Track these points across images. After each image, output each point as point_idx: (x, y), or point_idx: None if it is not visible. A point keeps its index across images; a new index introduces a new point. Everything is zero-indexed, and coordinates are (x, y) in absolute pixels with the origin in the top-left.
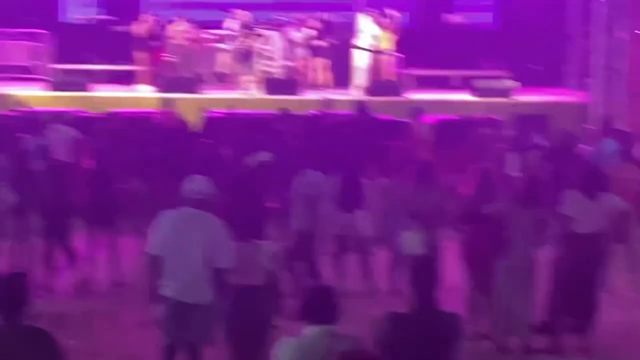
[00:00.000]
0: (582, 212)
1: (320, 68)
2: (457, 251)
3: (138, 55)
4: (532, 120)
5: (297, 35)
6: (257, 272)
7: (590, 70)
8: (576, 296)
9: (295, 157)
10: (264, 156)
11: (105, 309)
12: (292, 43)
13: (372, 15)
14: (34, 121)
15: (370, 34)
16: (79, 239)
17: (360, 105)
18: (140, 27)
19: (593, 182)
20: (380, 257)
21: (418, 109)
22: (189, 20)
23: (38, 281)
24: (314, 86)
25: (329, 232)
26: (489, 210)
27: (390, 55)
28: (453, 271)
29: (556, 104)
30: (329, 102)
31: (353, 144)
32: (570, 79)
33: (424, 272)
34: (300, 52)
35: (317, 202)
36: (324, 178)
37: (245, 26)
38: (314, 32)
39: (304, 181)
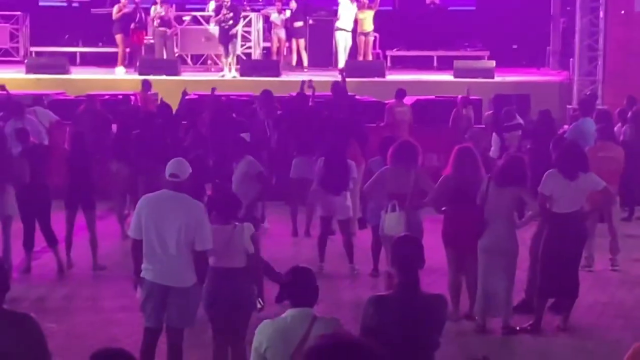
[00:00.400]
0: (561, 191)
1: (299, 49)
2: (437, 232)
3: (118, 37)
4: (513, 100)
5: (276, 16)
6: (238, 254)
7: (572, 50)
8: (556, 276)
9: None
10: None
11: (85, 293)
12: (271, 24)
13: None
14: (12, 104)
15: (350, 15)
16: (58, 222)
17: (338, 86)
18: (120, 10)
19: (573, 161)
20: (362, 239)
21: (401, 90)
22: (170, 3)
23: (17, 264)
24: (293, 67)
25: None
26: (469, 190)
27: (370, 36)
28: (434, 252)
29: (538, 84)
30: (308, 84)
31: (334, 125)
32: (552, 59)
33: (405, 253)
34: (279, 33)
35: (302, 185)
36: (309, 160)
37: (226, 8)
38: (292, 14)
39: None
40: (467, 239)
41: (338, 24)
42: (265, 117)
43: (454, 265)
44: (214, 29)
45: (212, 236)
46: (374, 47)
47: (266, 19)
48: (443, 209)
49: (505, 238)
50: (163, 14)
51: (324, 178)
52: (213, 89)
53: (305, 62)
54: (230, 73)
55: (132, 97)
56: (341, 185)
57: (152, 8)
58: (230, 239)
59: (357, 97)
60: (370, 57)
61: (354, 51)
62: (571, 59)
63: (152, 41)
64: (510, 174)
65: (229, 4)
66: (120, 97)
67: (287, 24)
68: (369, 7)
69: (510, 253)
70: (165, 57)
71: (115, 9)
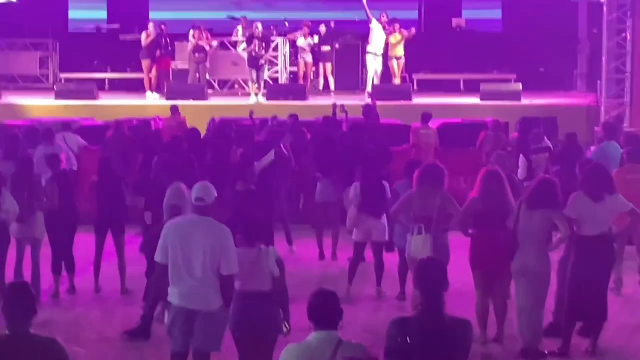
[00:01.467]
0: (588, 214)
1: (326, 73)
2: (465, 255)
3: (145, 63)
4: (540, 123)
5: (303, 41)
6: (263, 278)
7: (599, 73)
8: (585, 299)
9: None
10: (269, 159)
11: (112, 317)
12: (298, 49)
13: (381, 22)
14: (42, 130)
15: (381, 40)
16: (89, 246)
17: (370, 109)
18: (148, 36)
19: (599, 183)
20: (389, 262)
21: (426, 113)
22: (198, 28)
23: (44, 288)
24: (320, 92)
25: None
26: (496, 213)
27: (402, 60)
28: (461, 275)
29: (565, 107)
30: (341, 108)
31: (363, 149)
32: (580, 82)
33: (431, 276)
34: (306, 57)
35: (332, 209)
36: (342, 185)
37: (258, 39)
38: (320, 38)
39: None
40: (494, 262)
41: (369, 48)
42: (292, 140)
43: (481, 288)
44: (241, 53)
45: (238, 260)
46: (403, 71)
47: (293, 43)
48: (470, 231)
49: (536, 261)
50: (192, 38)
51: (363, 203)
52: (251, 113)
53: (333, 87)
54: (256, 98)
55: (153, 122)
56: (381, 208)
57: (190, 33)
58: (255, 263)
59: (385, 120)
60: (399, 81)
61: (387, 75)
62: (599, 82)
63: (180, 67)
64: (541, 196)
65: (260, 34)
66: (149, 122)
67: (315, 48)
68: (401, 33)
69: (542, 276)
70: (199, 82)
71: (143, 35)
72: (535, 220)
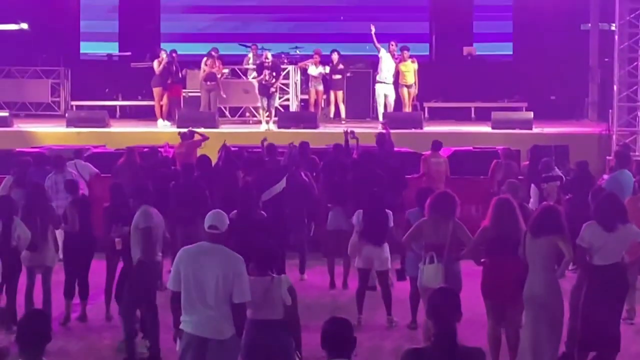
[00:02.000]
0: (601, 243)
1: (337, 101)
2: (476, 283)
3: (156, 91)
4: (552, 152)
5: (314, 69)
6: (275, 306)
7: (611, 101)
8: (597, 328)
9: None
10: (279, 188)
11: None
12: (308, 77)
13: (390, 50)
14: (53, 157)
15: (390, 68)
16: (100, 273)
17: (381, 138)
18: (160, 64)
19: (611, 212)
20: (401, 290)
21: (436, 141)
22: (211, 56)
23: (55, 315)
24: (331, 119)
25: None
26: (508, 242)
27: (412, 88)
28: (473, 304)
29: (577, 135)
30: (351, 135)
31: (373, 176)
32: (591, 110)
33: (445, 306)
34: (316, 85)
35: (344, 237)
36: (344, 211)
37: (267, 68)
38: (331, 66)
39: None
40: (506, 291)
41: (378, 77)
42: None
43: (493, 317)
44: (251, 81)
45: (250, 288)
46: (414, 100)
47: (304, 71)
48: (482, 260)
49: (544, 289)
50: (203, 66)
51: (364, 229)
52: (263, 140)
53: (343, 114)
54: (267, 125)
55: (163, 149)
56: (382, 236)
57: (203, 60)
58: (267, 291)
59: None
60: (410, 109)
61: (398, 103)
62: (610, 110)
63: (190, 94)
64: (543, 223)
65: (270, 63)
66: (160, 149)
67: (326, 76)
68: (412, 61)
69: (550, 304)
70: (210, 110)
71: (155, 63)
72: (540, 247)
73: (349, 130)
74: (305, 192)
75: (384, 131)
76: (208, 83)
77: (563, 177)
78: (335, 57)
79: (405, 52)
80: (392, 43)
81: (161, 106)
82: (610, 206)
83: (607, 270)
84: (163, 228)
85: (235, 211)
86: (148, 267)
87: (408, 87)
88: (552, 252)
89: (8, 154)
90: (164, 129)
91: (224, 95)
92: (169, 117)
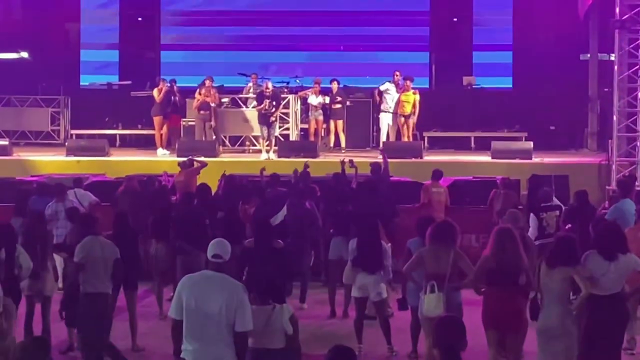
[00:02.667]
0: (601, 273)
1: (337, 130)
2: (477, 313)
3: (156, 120)
4: (551, 181)
5: (314, 98)
6: (277, 335)
7: (610, 132)
8: (598, 358)
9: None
10: (280, 218)
11: None
12: (308, 106)
13: (394, 81)
14: (54, 186)
15: (394, 98)
16: None
17: (376, 167)
18: (159, 92)
19: (612, 242)
20: (401, 320)
21: (436, 170)
22: (202, 85)
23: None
24: (331, 149)
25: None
26: (509, 271)
27: (411, 118)
28: (474, 333)
29: (576, 165)
30: (350, 164)
31: (371, 205)
32: (590, 141)
33: (450, 335)
34: (316, 115)
35: (340, 265)
36: (345, 240)
37: (267, 98)
38: (330, 95)
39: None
40: (507, 320)
41: (383, 106)
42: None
43: (494, 346)
44: (251, 110)
45: (253, 316)
46: (414, 129)
47: (304, 100)
48: (483, 289)
49: (560, 320)
50: (203, 95)
51: (357, 258)
52: (262, 170)
53: (343, 144)
54: (267, 154)
55: (161, 178)
56: (375, 264)
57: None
58: (269, 320)
59: (395, 177)
60: (409, 139)
61: (398, 133)
62: (609, 140)
63: (190, 123)
64: (560, 254)
65: (270, 92)
66: (160, 178)
67: (326, 106)
68: (414, 92)
69: (566, 336)
70: (204, 139)
71: (155, 92)
72: (556, 278)
73: (346, 160)
74: (309, 221)
75: (380, 160)
76: (201, 112)
77: (562, 206)
78: (334, 86)
79: (408, 82)
80: (397, 73)
81: (161, 135)
82: (610, 236)
83: (607, 300)
84: (115, 256)
85: (252, 239)
86: (93, 299)
87: (405, 116)
88: (568, 284)
89: (8, 183)
90: (163, 158)
91: (213, 124)
92: (168, 146)
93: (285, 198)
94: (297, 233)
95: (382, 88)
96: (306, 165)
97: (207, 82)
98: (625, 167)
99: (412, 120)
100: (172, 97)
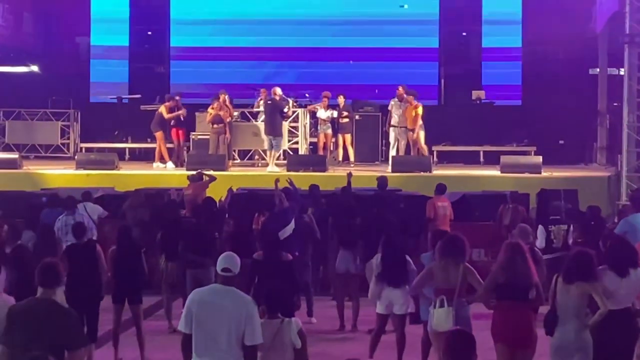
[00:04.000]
0: (612, 288)
1: (345, 144)
2: (487, 327)
3: (158, 135)
4: (561, 196)
5: (322, 112)
6: (285, 349)
7: (620, 146)
8: None
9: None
10: (289, 230)
11: None
12: (317, 120)
13: (399, 94)
14: (64, 199)
15: (398, 112)
16: (104, 316)
17: (381, 181)
18: (168, 107)
19: (623, 258)
20: (412, 334)
21: (440, 184)
22: (217, 98)
23: None
24: (340, 162)
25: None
26: (518, 285)
27: (413, 132)
28: (483, 347)
29: (586, 179)
30: (351, 177)
31: (382, 220)
32: (600, 155)
33: (462, 349)
34: (325, 129)
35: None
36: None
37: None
38: (339, 109)
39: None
40: (517, 334)
41: (393, 121)
42: (312, 211)
43: None
44: (261, 124)
45: (262, 330)
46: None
47: (313, 114)
48: (492, 304)
49: (577, 336)
50: (213, 109)
51: (382, 273)
52: (276, 181)
53: (352, 157)
54: (271, 167)
55: (170, 192)
56: (400, 279)
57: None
58: (277, 334)
59: (403, 191)
60: (415, 153)
61: (401, 147)
62: (619, 155)
63: (200, 137)
64: (576, 269)
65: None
66: (169, 192)
67: (334, 120)
68: (415, 107)
69: (582, 351)
70: (218, 152)
71: (163, 109)
72: (573, 294)
73: (352, 174)
74: (309, 235)
75: (387, 175)
76: (214, 126)
77: (570, 221)
78: (341, 100)
79: (410, 96)
80: (400, 88)
81: (168, 148)
82: (621, 251)
83: (618, 316)
84: None
85: (261, 252)
86: None
87: (411, 130)
88: (585, 299)
89: (18, 196)
90: (172, 171)
91: (228, 137)
92: (162, 159)
93: (293, 211)
94: (299, 246)
95: (391, 103)
96: (290, 182)
97: (222, 97)
98: (635, 182)
99: (415, 135)
100: (186, 111)
